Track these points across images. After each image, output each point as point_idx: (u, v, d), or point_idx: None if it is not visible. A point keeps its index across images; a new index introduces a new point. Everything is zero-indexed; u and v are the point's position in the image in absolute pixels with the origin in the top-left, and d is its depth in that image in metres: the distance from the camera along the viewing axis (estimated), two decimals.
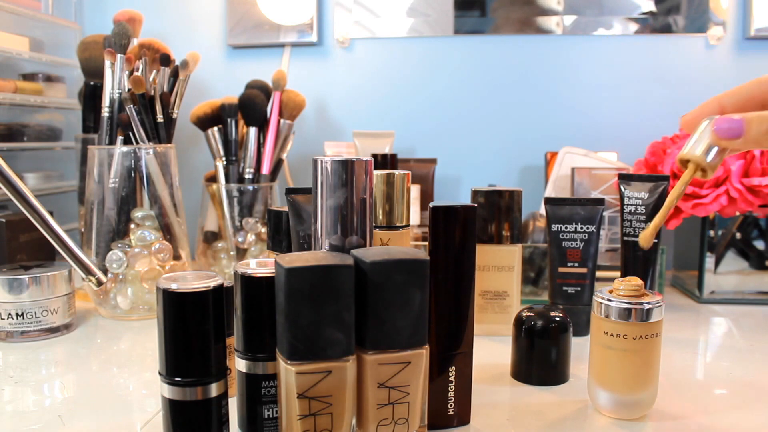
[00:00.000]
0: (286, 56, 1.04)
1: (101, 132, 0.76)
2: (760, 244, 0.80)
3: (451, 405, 0.46)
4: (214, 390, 0.39)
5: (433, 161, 0.97)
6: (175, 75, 0.78)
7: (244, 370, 0.42)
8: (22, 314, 0.64)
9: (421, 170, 0.95)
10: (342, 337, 0.37)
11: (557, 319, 0.55)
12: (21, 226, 0.76)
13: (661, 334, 0.46)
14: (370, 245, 0.42)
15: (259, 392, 0.42)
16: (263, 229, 0.86)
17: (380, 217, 0.56)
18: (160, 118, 0.75)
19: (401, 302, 0.38)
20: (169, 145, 0.76)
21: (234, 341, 0.43)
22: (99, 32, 0.86)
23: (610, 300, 0.46)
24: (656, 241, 0.68)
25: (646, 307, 0.45)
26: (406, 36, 1.02)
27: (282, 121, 0.90)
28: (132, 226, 0.73)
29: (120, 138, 0.76)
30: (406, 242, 0.58)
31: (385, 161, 0.88)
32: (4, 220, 0.74)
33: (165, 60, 0.77)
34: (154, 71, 0.77)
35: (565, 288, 0.68)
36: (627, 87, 1.00)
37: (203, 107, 0.89)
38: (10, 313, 0.63)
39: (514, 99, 1.02)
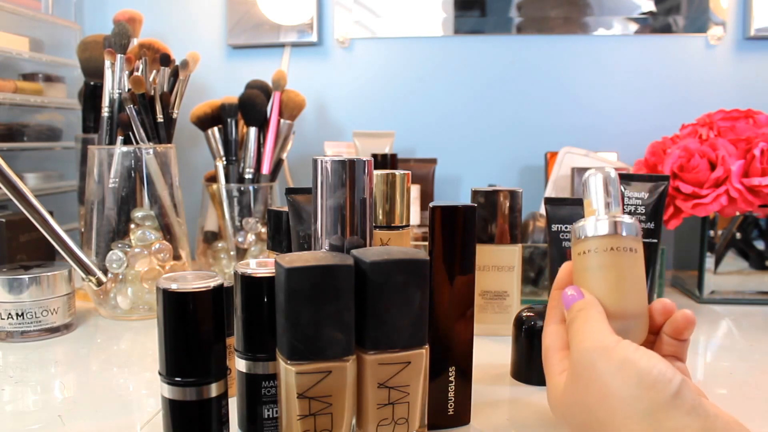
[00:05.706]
0: (286, 56, 1.04)
1: (101, 132, 0.76)
2: (760, 244, 0.80)
3: (450, 405, 0.46)
4: (214, 390, 0.39)
5: (433, 161, 0.97)
6: (175, 75, 0.78)
7: (244, 370, 0.42)
8: (22, 314, 0.64)
9: (421, 170, 0.95)
10: (342, 337, 0.37)
11: None
12: (21, 226, 0.76)
13: (638, 251, 0.39)
14: (370, 245, 0.42)
15: (259, 392, 0.42)
16: (263, 229, 0.86)
17: (380, 217, 0.56)
18: (160, 118, 0.75)
19: (401, 302, 0.38)
20: (169, 145, 0.76)
21: (234, 341, 0.43)
22: (99, 32, 0.86)
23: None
24: (656, 241, 0.68)
25: (617, 220, 0.39)
26: (406, 36, 1.02)
27: (282, 121, 0.90)
28: (132, 226, 0.73)
29: (120, 138, 0.76)
30: (406, 242, 0.58)
31: (385, 161, 0.88)
32: (4, 220, 0.74)
33: (165, 60, 0.77)
34: (154, 71, 0.77)
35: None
36: (627, 87, 1.00)
37: (203, 107, 0.89)
38: (10, 313, 0.63)
39: (514, 99, 1.02)
